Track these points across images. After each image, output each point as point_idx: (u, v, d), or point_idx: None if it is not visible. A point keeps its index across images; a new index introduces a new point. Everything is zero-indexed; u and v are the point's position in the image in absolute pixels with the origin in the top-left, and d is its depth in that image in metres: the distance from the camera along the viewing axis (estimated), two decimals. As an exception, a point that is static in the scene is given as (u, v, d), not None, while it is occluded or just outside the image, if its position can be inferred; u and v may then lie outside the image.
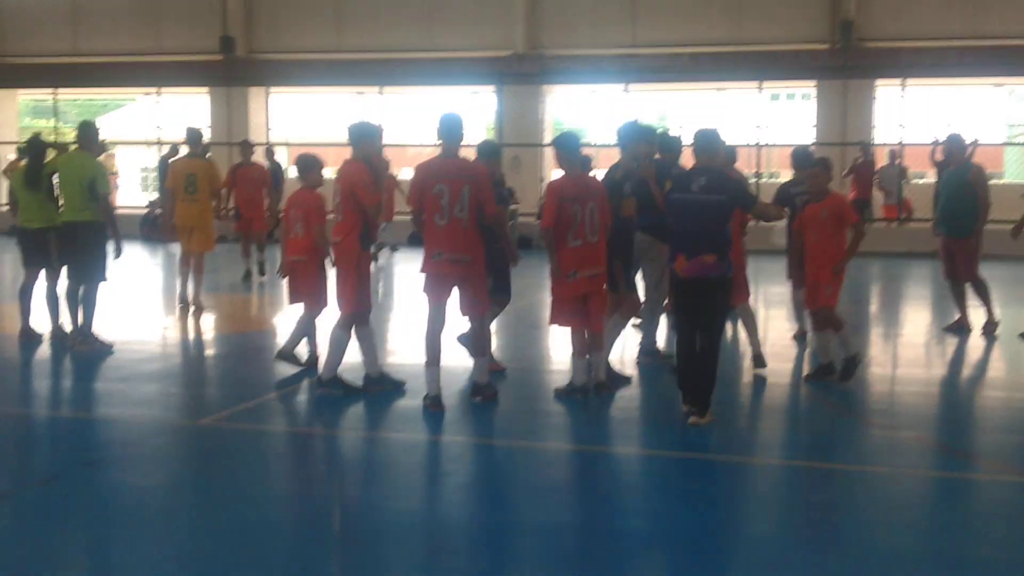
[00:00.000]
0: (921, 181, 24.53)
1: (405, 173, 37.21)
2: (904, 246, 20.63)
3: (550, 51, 24.35)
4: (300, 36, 25.78)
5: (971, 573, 5.08)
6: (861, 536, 5.49)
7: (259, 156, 19.33)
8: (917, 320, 13.59)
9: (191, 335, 11.84)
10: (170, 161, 15.64)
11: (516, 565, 5.21)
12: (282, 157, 29.28)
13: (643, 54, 23.75)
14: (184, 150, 14.64)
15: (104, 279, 10.17)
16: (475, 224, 7.63)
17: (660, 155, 8.92)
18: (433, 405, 7.72)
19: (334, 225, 8.08)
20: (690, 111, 29.67)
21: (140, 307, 13.50)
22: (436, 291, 7.75)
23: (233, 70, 25.85)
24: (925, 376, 9.75)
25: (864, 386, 8.86)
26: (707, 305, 7.30)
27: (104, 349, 10.05)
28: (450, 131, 7.74)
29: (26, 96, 31.34)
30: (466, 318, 8.04)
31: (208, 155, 14.63)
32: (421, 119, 31.49)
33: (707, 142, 7.49)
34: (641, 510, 5.98)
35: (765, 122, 23.78)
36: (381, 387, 8.26)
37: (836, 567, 5.10)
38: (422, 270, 7.73)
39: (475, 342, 8.07)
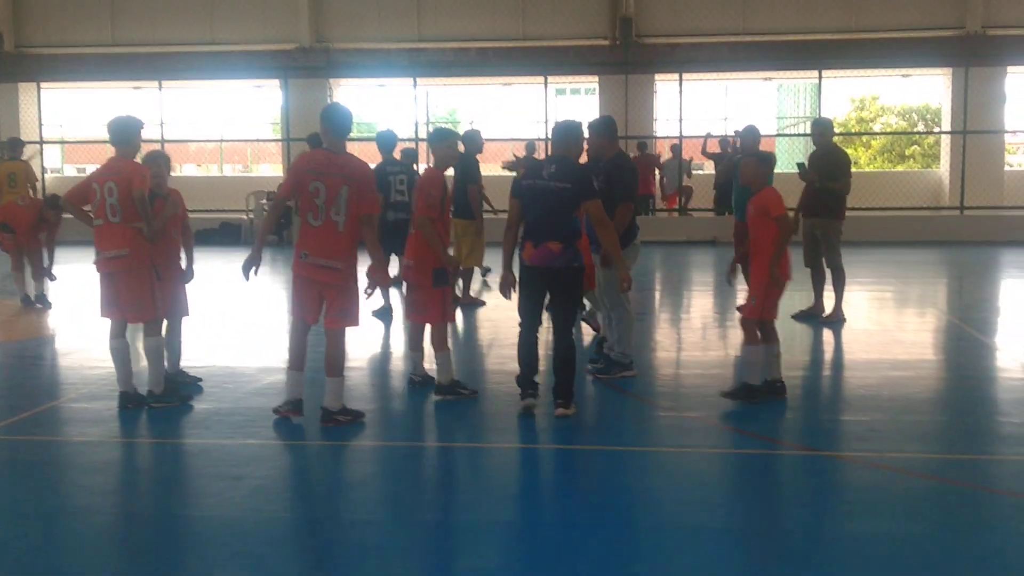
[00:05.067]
0: (700, 173, 25.51)
1: (188, 170, 36.27)
2: (684, 234, 21.47)
3: (336, 44, 24.15)
4: (72, 29, 24.70)
5: (767, 544, 5.32)
6: (658, 513, 5.69)
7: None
8: (703, 303, 14.15)
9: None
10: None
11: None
12: (56, 155, 27.98)
13: (430, 48, 23.88)
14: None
15: None
16: (351, 228, 7.11)
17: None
18: (291, 411, 7.42)
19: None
20: (479, 106, 29.95)
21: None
22: (297, 296, 7.38)
23: (-1, 65, 24.51)
24: (711, 358, 10.12)
25: (654, 371, 9.16)
26: (557, 294, 7.39)
27: None
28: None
29: None
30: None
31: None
32: (203, 114, 30.72)
33: (563, 133, 7.51)
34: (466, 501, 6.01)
35: (551, 116, 24.29)
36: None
37: (634, 544, 5.24)
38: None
39: (331, 358, 7.33)
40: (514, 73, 25.05)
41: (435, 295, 7.98)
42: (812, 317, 11.49)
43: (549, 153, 7.76)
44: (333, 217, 7.09)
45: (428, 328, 8.17)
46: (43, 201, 12.93)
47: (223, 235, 22.26)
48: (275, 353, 9.71)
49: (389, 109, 34.45)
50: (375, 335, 10.89)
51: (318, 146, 14.56)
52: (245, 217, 22.56)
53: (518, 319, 7.58)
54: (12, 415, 7.80)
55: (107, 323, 7.87)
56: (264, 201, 21.98)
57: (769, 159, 8.62)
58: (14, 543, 5.35)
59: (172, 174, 8.57)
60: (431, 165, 8.15)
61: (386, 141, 12.40)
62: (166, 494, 6.24)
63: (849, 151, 17.87)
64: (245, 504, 5.86)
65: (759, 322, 7.88)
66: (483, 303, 12.61)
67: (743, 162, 8.49)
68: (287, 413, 7.44)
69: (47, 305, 12.84)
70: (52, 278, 13.20)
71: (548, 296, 7.49)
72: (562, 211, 7.27)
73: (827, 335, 10.96)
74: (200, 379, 8.56)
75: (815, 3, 23.46)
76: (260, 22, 24.30)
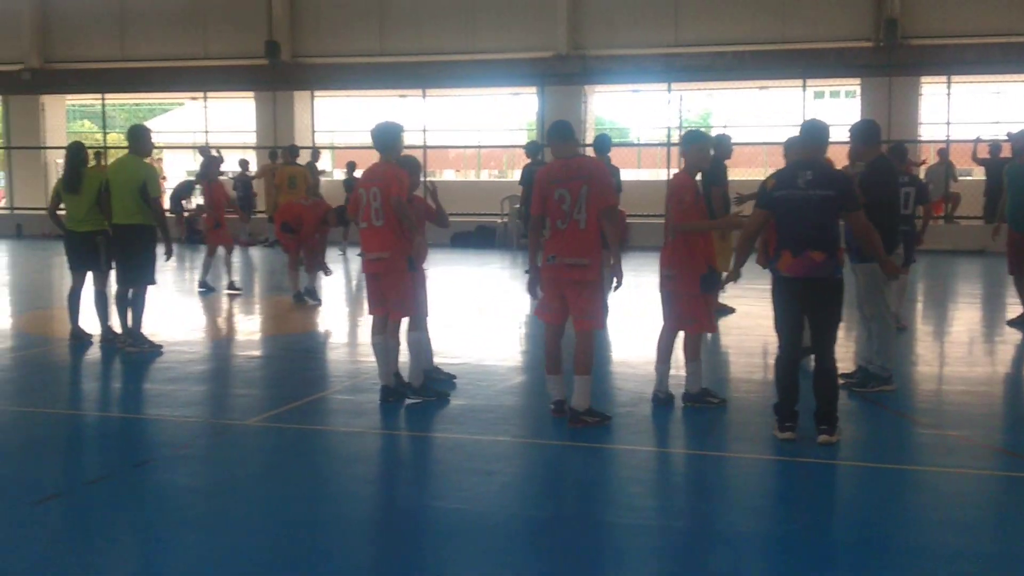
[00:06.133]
0: (967, 178, 24.24)
1: (447, 175, 37.56)
2: (950, 243, 20.44)
3: (592, 51, 24.35)
4: (344, 40, 25.95)
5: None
6: (909, 535, 5.48)
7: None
8: (970, 316, 13.44)
9: (240, 336, 11.96)
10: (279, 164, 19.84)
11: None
12: (327, 161, 29.50)
13: (686, 53, 23.70)
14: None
15: (153, 282, 10.31)
16: (592, 225, 7.28)
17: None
18: (557, 411, 7.61)
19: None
20: (734, 110, 29.56)
21: (188, 308, 13.66)
22: (544, 299, 7.63)
23: (278, 74, 26.07)
24: (978, 374, 9.62)
25: (915, 386, 8.80)
26: (819, 309, 6.96)
27: (153, 351, 10.17)
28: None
29: (73, 101, 31.81)
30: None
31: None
32: (463, 121, 31.68)
33: (814, 134, 7.14)
34: (717, 510, 5.99)
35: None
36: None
37: (888, 565, 5.08)
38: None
39: (579, 356, 7.43)
40: (771, 76, 24.55)
41: (700, 303, 7.84)
42: None
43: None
44: (575, 216, 7.24)
45: (681, 336, 8.06)
46: (332, 209, 13.71)
47: (478, 238, 22.94)
48: (526, 353, 9.93)
49: (642, 114, 34.51)
50: (626, 336, 10.95)
51: (535, 153, 15.60)
52: (499, 221, 23.11)
53: (776, 336, 7.18)
54: (283, 404, 8.31)
55: (372, 319, 8.26)
56: (518, 206, 22.46)
57: None
58: (278, 524, 5.69)
59: (431, 179, 8.89)
60: (682, 169, 8.11)
61: (547, 139, 13.32)
62: (422, 485, 6.50)
63: None
64: (495, 499, 6.04)
65: None
66: (732, 310, 12.44)
67: None
68: (557, 414, 7.59)
69: (317, 301, 13.58)
70: (328, 272, 14.04)
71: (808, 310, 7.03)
72: (825, 219, 6.88)
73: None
74: (455, 376, 8.84)
75: (1100, -1, 21.85)
76: (519, 30, 24.79)
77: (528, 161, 16.53)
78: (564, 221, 7.27)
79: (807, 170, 6.96)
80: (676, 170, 8.33)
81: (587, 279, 7.28)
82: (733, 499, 6.19)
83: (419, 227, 8.28)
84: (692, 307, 7.83)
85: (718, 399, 8.01)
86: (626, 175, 30.51)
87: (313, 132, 27.08)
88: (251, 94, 27.34)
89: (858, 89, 24.32)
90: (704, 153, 8.07)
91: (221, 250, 14.77)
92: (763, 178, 7.60)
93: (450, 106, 31.53)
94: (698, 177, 8.16)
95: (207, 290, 14.65)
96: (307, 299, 13.55)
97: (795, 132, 7.79)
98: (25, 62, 27.75)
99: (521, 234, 22.01)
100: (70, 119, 32.40)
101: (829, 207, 6.87)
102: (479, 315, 12.92)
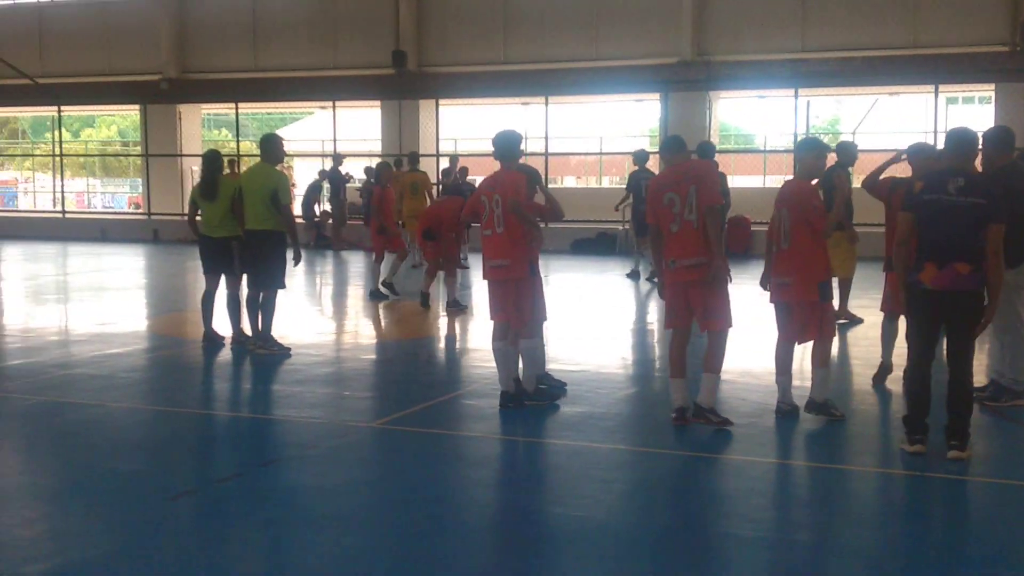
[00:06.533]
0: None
1: (568, 182, 37.62)
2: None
3: (717, 57, 24.10)
4: (468, 49, 26.21)
5: None
6: (1042, 557, 5.31)
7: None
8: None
9: (364, 340, 12.19)
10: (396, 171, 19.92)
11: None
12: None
13: (813, 58, 23.28)
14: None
15: (283, 286, 10.59)
16: (704, 224, 7.37)
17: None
18: (679, 419, 7.60)
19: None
20: (860, 116, 28.93)
21: (316, 312, 13.97)
22: (668, 305, 7.77)
23: (405, 83, 26.47)
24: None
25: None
26: (960, 322, 6.77)
27: (282, 353, 10.45)
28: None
29: (208, 110, 32.83)
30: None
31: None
32: (585, 128, 31.71)
33: (963, 142, 6.94)
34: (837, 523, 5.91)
35: (941, 127, 23.02)
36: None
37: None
38: None
39: (709, 353, 7.58)
40: (902, 82, 23.93)
41: (817, 311, 7.72)
42: None
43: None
44: (687, 217, 7.35)
45: (808, 346, 7.93)
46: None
47: (598, 244, 22.95)
48: (647, 361, 9.89)
49: (768, 120, 34.04)
50: (749, 346, 10.83)
51: (643, 161, 16.97)
52: (621, 228, 23.06)
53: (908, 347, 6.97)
54: (406, 407, 8.46)
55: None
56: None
57: None
58: (400, 526, 5.78)
59: (552, 186, 8.98)
60: (796, 175, 8.03)
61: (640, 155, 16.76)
62: (541, 491, 6.54)
63: None
64: (614, 507, 6.05)
65: None
66: (860, 320, 12.18)
67: None
68: (678, 422, 7.58)
69: (462, 307, 13.56)
70: (465, 266, 14.18)
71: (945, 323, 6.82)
72: (974, 229, 6.61)
73: None
74: (566, 383, 8.83)
75: None
76: (643, 37, 24.68)
77: (635, 168, 16.94)
78: (676, 223, 7.40)
79: (958, 177, 6.73)
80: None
81: (706, 278, 7.32)
82: (858, 513, 6.07)
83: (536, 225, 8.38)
84: (809, 316, 7.72)
85: (839, 412, 7.85)
86: (752, 182, 30.18)
87: (438, 140, 27.41)
88: (377, 103, 27.82)
89: (992, 94, 23.56)
90: (820, 160, 7.97)
91: (360, 254, 15.05)
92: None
93: (572, 113, 31.58)
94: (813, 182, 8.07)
95: (425, 301, 14.14)
96: (453, 308, 13.45)
97: (923, 139, 7.64)
98: (163, 72, 28.76)
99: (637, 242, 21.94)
100: (207, 128, 33.46)
101: (978, 215, 6.62)
102: (599, 322, 12.90)
